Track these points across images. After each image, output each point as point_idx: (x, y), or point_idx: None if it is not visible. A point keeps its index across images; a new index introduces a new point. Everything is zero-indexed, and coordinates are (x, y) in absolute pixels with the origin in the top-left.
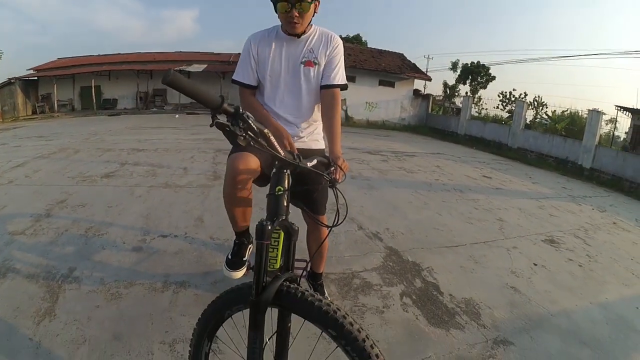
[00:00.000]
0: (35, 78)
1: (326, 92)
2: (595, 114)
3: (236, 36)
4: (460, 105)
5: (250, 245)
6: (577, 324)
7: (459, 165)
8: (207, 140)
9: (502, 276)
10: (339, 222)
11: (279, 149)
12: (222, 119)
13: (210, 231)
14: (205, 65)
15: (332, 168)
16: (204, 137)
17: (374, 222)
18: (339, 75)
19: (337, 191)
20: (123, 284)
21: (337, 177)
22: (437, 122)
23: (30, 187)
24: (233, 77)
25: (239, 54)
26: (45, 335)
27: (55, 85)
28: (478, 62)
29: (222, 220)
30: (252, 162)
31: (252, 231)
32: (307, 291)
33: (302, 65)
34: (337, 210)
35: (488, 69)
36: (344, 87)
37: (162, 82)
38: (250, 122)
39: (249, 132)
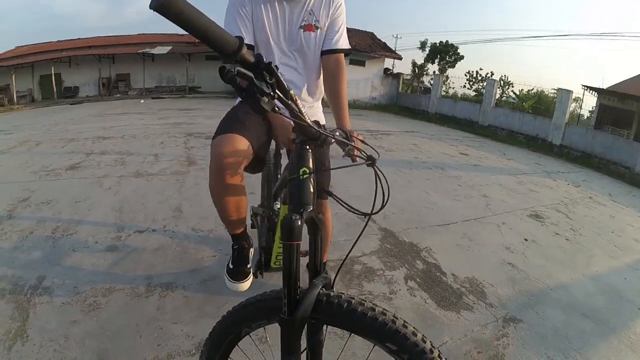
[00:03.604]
0: None
1: (329, 58)
2: (565, 92)
3: None
4: (429, 85)
5: (251, 248)
6: (574, 297)
7: (434, 142)
8: (176, 125)
9: (498, 252)
10: (377, 209)
11: (305, 116)
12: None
13: (192, 222)
14: (170, 47)
15: (353, 143)
16: (172, 122)
17: (362, 202)
18: (343, 39)
19: (377, 170)
20: (100, 291)
21: (356, 154)
22: (407, 100)
23: None
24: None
25: None
26: None
27: (13, 76)
28: (447, 41)
29: (203, 209)
30: (241, 143)
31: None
32: (354, 298)
33: (302, 30)
34: (376, 192)
35: (457, 48)
36: (347, 53)
37: (149, 7)
38: (279, 76)
39: (277, 91)
